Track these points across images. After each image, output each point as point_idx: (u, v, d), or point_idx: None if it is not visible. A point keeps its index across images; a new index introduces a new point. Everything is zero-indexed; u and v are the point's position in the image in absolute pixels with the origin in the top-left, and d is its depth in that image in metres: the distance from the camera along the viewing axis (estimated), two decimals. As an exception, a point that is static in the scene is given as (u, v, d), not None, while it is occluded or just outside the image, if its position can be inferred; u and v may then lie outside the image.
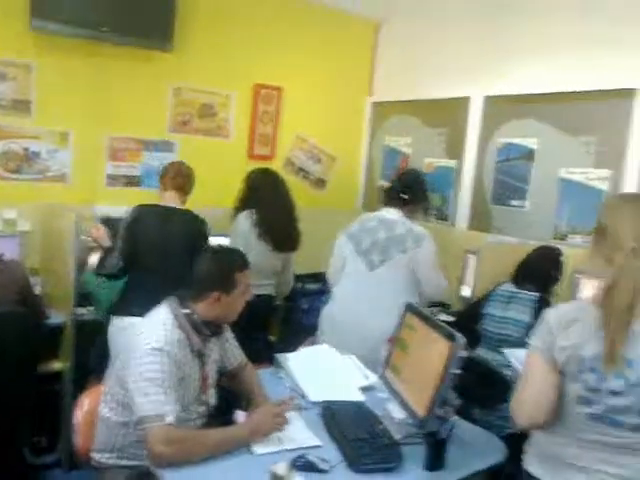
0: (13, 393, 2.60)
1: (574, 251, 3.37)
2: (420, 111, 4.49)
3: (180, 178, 3.04)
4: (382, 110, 4.82)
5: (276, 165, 4.30)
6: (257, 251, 3.30)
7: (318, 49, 4.54)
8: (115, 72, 3.75)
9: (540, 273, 3.10)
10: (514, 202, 3.85)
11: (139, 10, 3.63)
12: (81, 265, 3.16)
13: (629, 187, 3.24)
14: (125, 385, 1.86)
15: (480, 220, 4.04)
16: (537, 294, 3.00)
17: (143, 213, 2.92)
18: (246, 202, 3.45)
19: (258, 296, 3.37)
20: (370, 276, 2.92)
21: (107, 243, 2.87)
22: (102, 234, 2.89)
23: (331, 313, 3.01)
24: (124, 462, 1.95)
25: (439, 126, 4.34)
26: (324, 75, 4.59)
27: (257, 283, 3.34)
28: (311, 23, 4.48)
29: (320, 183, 4.73)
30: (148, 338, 1.86)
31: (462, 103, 4.14)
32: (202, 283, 2.00)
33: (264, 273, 3.39)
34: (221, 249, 2.20)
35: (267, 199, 3.42)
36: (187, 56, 3.97)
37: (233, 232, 3.40)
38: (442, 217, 4.27)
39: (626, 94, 3.25)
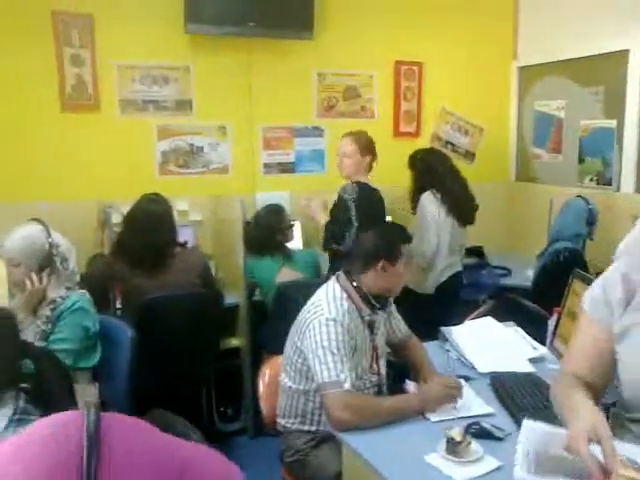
0: (200, 366, 2.89)
1: None
2: (571, 71, 4.24)
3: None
4: (529, 74, 4.61)
5: (423, 141, 4.29)
6: (448, 229, 3.39)
7: (457, 18, 4.43)
8: (264, 64, 3.95)
9: None
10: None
11: (281, 2, 3.79)
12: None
13: None
14: (303, 355, 2.00)
15: (649, 182, 3.75)
16: None
17: (366, 192, 3.09)
18: (423, 183, 3.48)
19: (454, 276, 3.47)
20: None
21: (323, 220, 3.09)
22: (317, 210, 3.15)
23: None
24: (307, 427, 2.10)
25: (595, 84, 4.07)
26: (465, 44, 4.48)
27: (449, 262, 3.45)
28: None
29: (469, 156, 4.65)
30: (322, 310, 1.98)
31: (620, 57, 3.85)
32: (368, 254, 2.09)
33: (455, 250, 3.48)
34: (385, 224, 2.28)
35: (445, 176, 3.45)
36: (327, 42, 4.07)
37: (420, 215, 3.43)
38: (604, 182, 4.02)
39: None
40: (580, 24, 4.10)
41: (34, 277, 2.14)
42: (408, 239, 2.15)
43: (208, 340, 2.90)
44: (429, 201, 3.40)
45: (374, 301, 2.09)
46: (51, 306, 2.15)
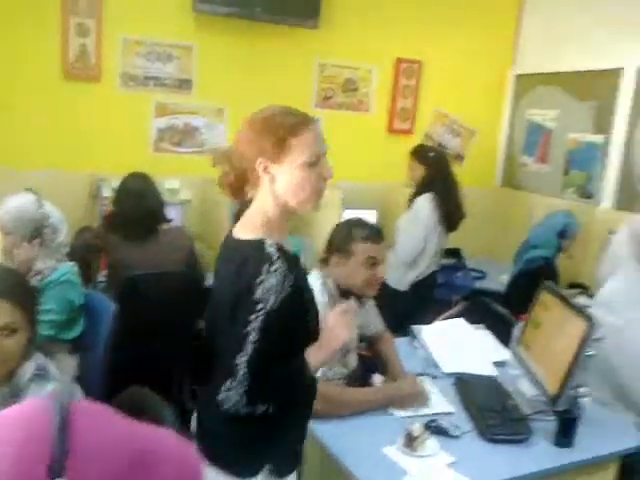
0: (176, 344, 2.96)
1: None
2: (566, 83, 4.32)
3: None
4: (525, 82, 4.69)
5: (416, 140, 4.37)
6: (436, 234, 3.50)
7: (459, 21, 4.49)
8: (266, 50, 3.99)
9: None
10: (667, 181, 3.65)
11: (289, -10, 3.83)
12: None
13: None
14: None
15: (628, 200, 3.86)
16: None
17: None
18: (431, 183, 3.51)
19: (430, 275, 3.60)
20: None
21: None
22: None
23: None
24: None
25: (587, 99, 4.17)
26: (465, 47, 4.54)
27: (430, 263, 3.57)
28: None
29: (459, 158, 4.73)
30: None
31: (614, 75, 3.94)
32: (325, 247, 2.18)
33: (436, 252, 3.59)
34: (354, 219, 2.27)
35: (449, 184, 3.54)
36: (332, 33, 4.12)
37: (413, 215, 3.50)
38: (585, 195, 4.13)
39: None
40: (579, 38, 4.18)
41: (24, 246, 2.21)
42: (368, 238, 2.11)
43: (186, 320, 2.97)
44: (427, 205, 3.46)
45: (342, 295, 2.11)
46: (38, 277, 2.21)
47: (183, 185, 3.79)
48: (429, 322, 2.75)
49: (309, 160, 1.44)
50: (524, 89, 4.70)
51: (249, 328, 1.36)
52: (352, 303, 1.71)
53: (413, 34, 4.39)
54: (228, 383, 1.37)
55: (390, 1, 4.27)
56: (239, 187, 1.50)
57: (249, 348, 1.36)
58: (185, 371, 2.99)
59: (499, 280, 3.89)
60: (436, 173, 3.52)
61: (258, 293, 1.36)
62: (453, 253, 4.03)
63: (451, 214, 3.51)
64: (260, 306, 1.36)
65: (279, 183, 1.45)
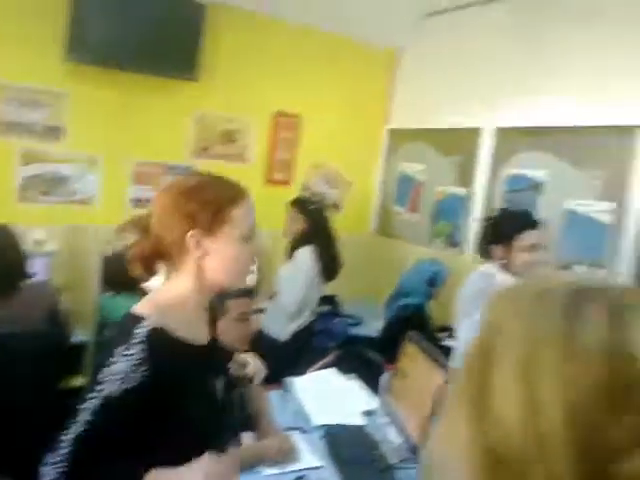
0: (33, 409, 2.78)
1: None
2: (434, 139, 4.63)
3: None
4: (398, 137, 4.97)
5: (293, 190, 4.46)
6: (315, 286, 3.56)
7: (336, 78, 4.71)
8: (142, 100, 3.96)
9: None
10: (522, 231, 3.95)
11: (167, 43, 3.83)
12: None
13: (632, 219, 3.34)
14: None
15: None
16: None
17: None
18: (311, 235, 3.56)
19: (308, 325, 3.64)
20: None
21: None
22: None
23: None
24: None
25: (452, 154, 4.48)
26: (342, 103, 4.76)
27: (312, 318, 3.63)
28: (329, 53, 4.65)
29: (335, 207, 4.88)
30: None
31: (474, 133, 4.28)
32: None
33: (316, 303, 3.66)
34: None
35: (327, 233, 3.62)
36: (211, 85, 4.17)
37: (295, 267, 3.53)
38: (452, 244, 4.39)
39: (628, 130, 3.36)
40: (445, 98, 4.51)
41: None
42: (240, 294, 2.12)
43: (49, 379, 2.81)
44: (308, 256, 3.52)
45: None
46: None
47: (50, 235, 3.62)
48: (304, 372, 2.78)
49: (246, 233, 1.35)
50: (397, 143, 4.97)
51: (83, 406, 1.23)
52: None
53: (292, 90, 4.53)
54: (50, 457, 1.23)
55: (271, 55, 4.40)
56: (152, 261, 1.36)
57: (77, 427, 1.23)
58: (40, 432, 2.79)
59: (374, 326, 4.00)
60: (316, 225, 3.61)
61: (102, 374, 1.23)
62: (329, 300, 4.11)
63: (330, 265, 3.60)
64: (99, 388, 1.23)
65: (211, 258, 1.33)
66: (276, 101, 4.50)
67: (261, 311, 3.46)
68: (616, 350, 0.46)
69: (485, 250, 2.63)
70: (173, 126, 4.11)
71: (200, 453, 1.27)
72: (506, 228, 2.54)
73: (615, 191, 3.45)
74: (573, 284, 0.53)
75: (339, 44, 4.68)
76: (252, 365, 2.27)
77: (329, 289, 3.96)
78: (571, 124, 3.64)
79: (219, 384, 1.49)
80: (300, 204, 3.72)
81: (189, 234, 1.30)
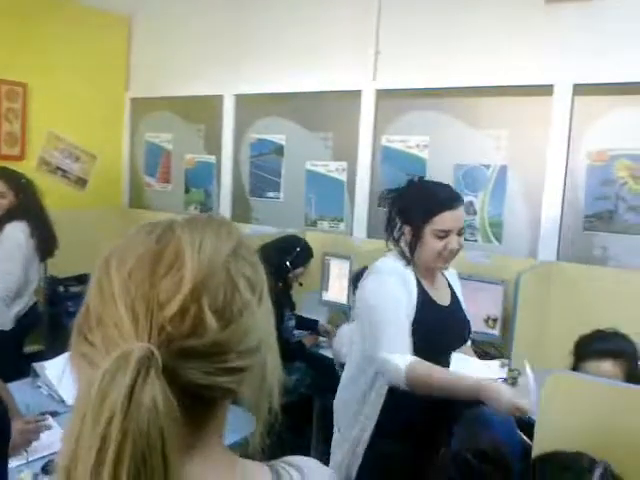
0: None
1: (323, 236, 3.79)
2: (178, 108, 4.61)
3: None
4: (142, 106, 4.83)
5: (29, 165, 4.11)
6: (34, 264, 3.26)
7: (69, 45, 4.38)
8: None
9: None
10: (270, 194, 4.18)
11: None
12: None
13: (362, 177, 3.73)
14: None
15: (242, 212, 4.29)
16: None
17: None
18: (19, 212, 3.23)
19: (32, 308, 3.32)
20: None
21: None
22: None
23: None
24: None
25: (198, 122, 4.51)
26: (77, 71, 4.45)
27: (32, 300, 3.31)
28: (60, 19, 4.32)
29: (80, 182, 4.61)
30: None
31: (216, 101, 4.35)
32: None
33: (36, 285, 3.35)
34: None
35: (39, 207, 3.31)
36: None
37: (8, 246, 3.16)
38: (206, 210, 4.45)
39: (354, 95, 3.72)
40: (183, 65, 4.49)
41: None
42: None
43: None
44: (19, 231, 3.20)
45: None
46: None
47: None
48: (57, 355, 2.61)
49: None
50: (141, 112, 4.84)
51: None
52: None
53: (15, 57, 4.11)
54: None
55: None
56: None
57: None
58: None
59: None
60: (29, 200, 3.31)
61: None
62: (79, 279, 3.91)
63: (46, 242, 3.34)
64: None
65: None
66: (-3, 69, 4.06)
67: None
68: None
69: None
70: None
71: None
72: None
73: (345, 151, 3.81)
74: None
75: (70, 10, 4.36)
76: None
77: (79, 269, 3.76)
78: (304, 90, 3.90)
79: None
80: (11, 176, 3.35)
81: None
